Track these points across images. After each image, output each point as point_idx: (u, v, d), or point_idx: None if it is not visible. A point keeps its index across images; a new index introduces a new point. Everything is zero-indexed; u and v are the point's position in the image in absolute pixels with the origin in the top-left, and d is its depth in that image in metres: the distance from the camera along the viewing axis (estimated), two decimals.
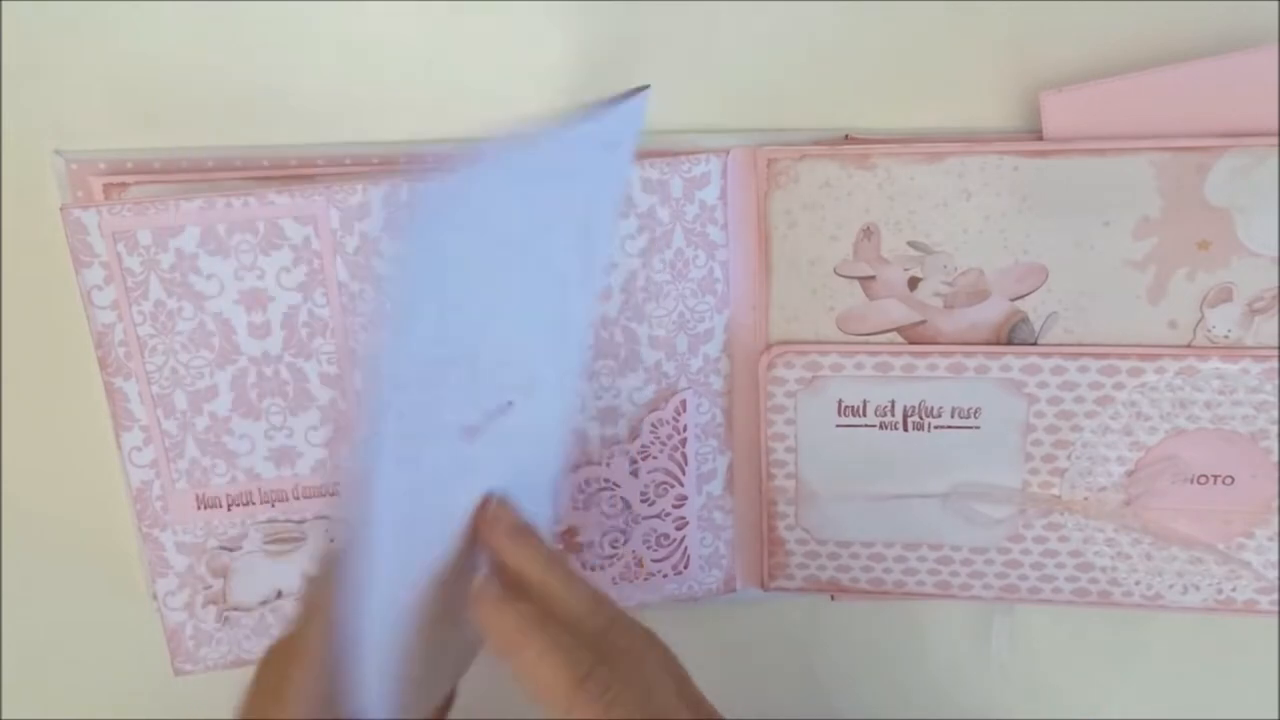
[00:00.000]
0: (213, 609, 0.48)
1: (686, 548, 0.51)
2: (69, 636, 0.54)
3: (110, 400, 0.45)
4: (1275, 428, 0.47)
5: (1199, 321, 0.46)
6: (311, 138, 0.44)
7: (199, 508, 0.46)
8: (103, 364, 0.44)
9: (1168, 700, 0.53)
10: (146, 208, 0.42)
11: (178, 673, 0.50)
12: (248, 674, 0.48)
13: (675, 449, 0.49)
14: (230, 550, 0.47)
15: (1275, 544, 0.48)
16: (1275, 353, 0.46)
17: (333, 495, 0.47)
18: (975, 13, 0.44)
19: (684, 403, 0.48)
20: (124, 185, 0.43)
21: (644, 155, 0.44)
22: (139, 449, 0.45)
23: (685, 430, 0.48)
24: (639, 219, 0.45)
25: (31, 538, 0.52)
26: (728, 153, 0.45)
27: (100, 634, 0.54)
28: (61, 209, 0.42)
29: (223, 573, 0.47)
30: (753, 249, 0.46)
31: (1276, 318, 0.45)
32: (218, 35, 0.43)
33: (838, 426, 0.49)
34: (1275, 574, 0.49)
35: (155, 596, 0.49)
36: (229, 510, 0.46)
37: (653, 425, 0.48)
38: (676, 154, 0.44)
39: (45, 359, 0.48)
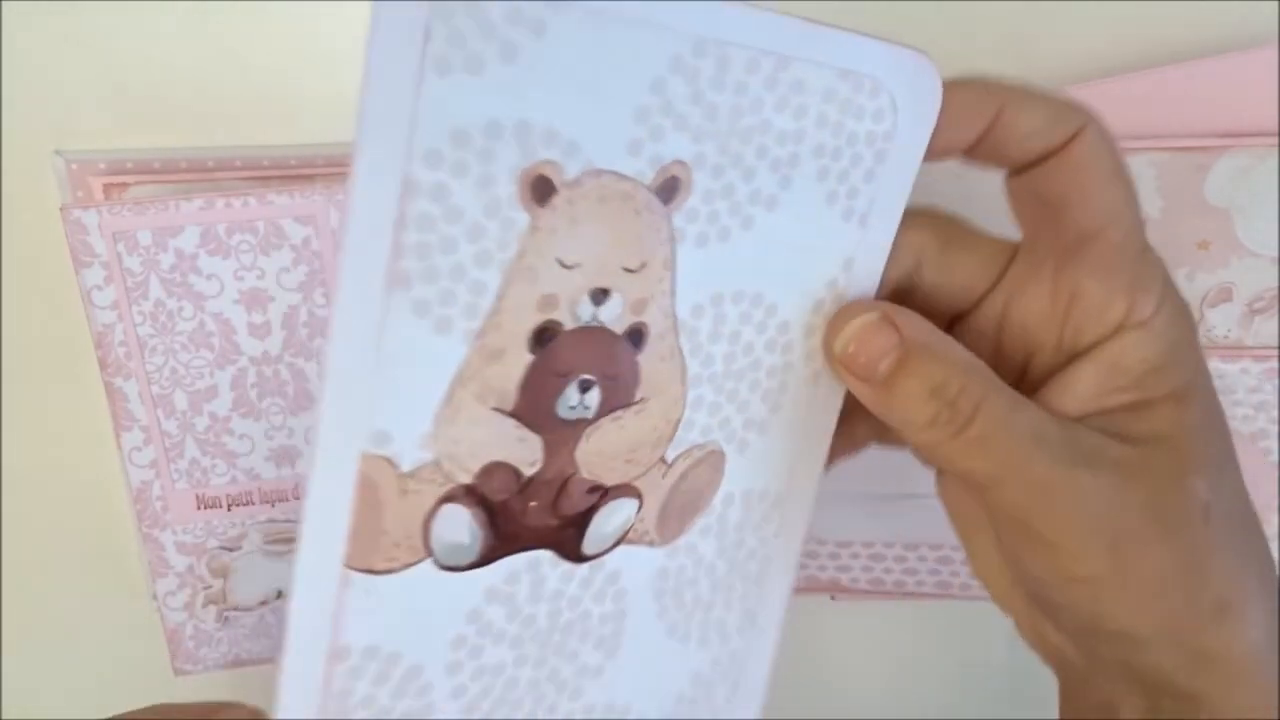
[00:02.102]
0: (213, 609, 0.48)
1: None
2: (69, 636, 0.54)
3: (110, 400, 0.44)
4: (1275, 428, 0.46)
5: (1199, 321, 0.46)
6: (312, 138, 0.44)
7: (199, 508, 0.46)
8: (103, 364, 0.44)
9: None
10: (146, 208, 0.41)
11: (178, 673, 0.50)
12: (247, 674, 0.49)
13: None
14: (230, 550, 0.47)
15: (1275, 544, 0.48)
16: (1275, 353, 0.46)
17: None
18: (975, 13, 0.44)
19: None
20: (124, 185, 0.43)
21: None
22: (139, 449, 0.45)
23: None
24: None
25: (31, 538, 0.52)
26: None
27: (100, 634, 0.54)
28: (61, 209, 0.42)
29: (223, 573, 0.47)
30: None
31: (1276, 318, 0.45)
32: (218, 35, 0.43)
33: None
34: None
35: (155, 596, 0.49)
36: (229, 510, 0.46)
37: None
38: None
39: (45, 359, 0.48)
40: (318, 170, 0.43)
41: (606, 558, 0.26)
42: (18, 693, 0.55)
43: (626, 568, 0.26)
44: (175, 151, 0.43)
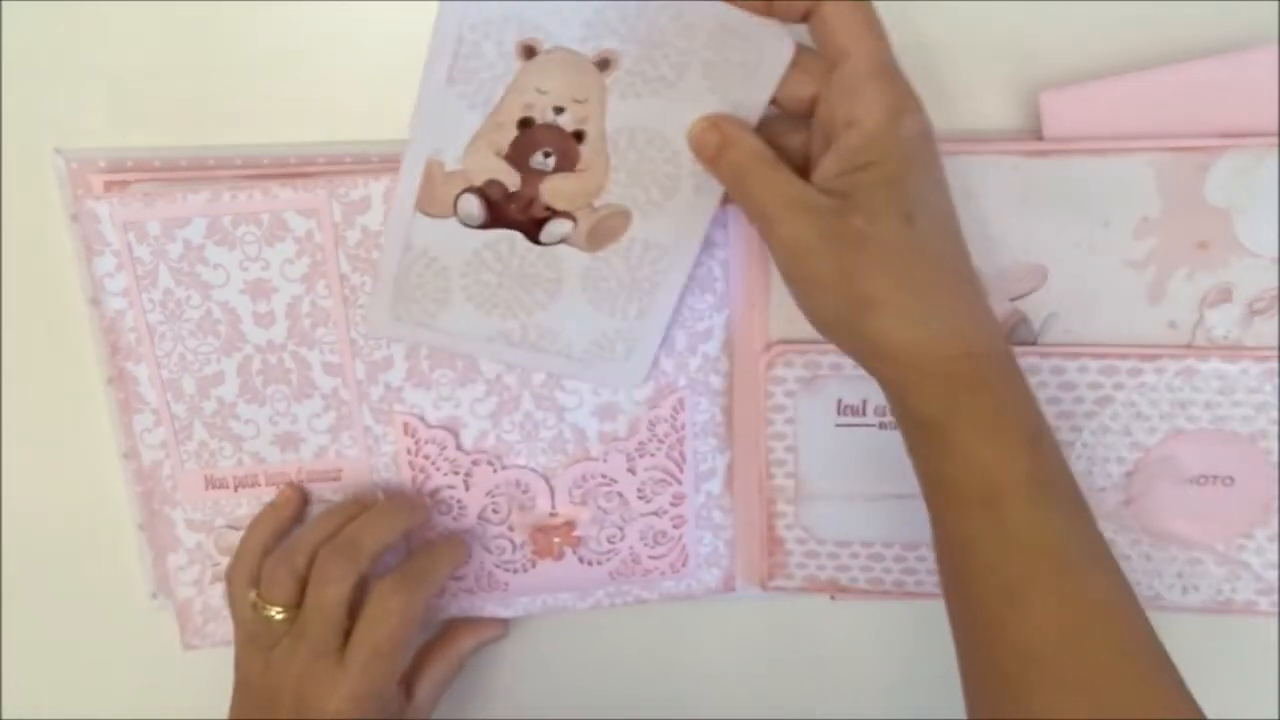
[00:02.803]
0: (220, 586, 0.50)
1: (685, 546, 0.51)
2: (69, 636, 0.55)
3: (122, 384, 0.46)
4: (1275, 428, 0.46)
5: (1198, 322, 0.45)
6: (312, 136, 0.45)
7: (207, 488, 0.48)
8: (114, 348, 0.46)
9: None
10: (155, 199, 0.43)
11: (186, 647, 0.51)
12: None
13: (673, 447, 0.49)
14: (237, 530, 0.49)
15: (1275, 545, 0.47)
16: (1275, 353, 0.45)
17: (335, 480, 0.49)
18: (975, 13, 0.44)
19: (682, 401, 0.49)
20: (125, 184, 0.44)
21: None
22: (150, 430, 0.47)
23: (683, 429, 0.49)
24: None
25: (31, 538, 0.53)
26: None
27: (100, 634, 0.55)
28: (75, 198, 0.44)
29: (229, 551, 0.49)
30: (752, 247, 0.47)
31: (1276, 318, 0.45)
32: (219, 34, 0.44)
33: (837, 426, 0.49)
34: (1275, 575, 0.48)
35: (155, 596, 0.51)
36: (235, 491, 0.48)
37: (650, 423, 0.49)
38: None
39: (45, 359, 0.49)
40: (318, 169, 0.44)
41: (553, 248, 0.45)
42: (18, 693, 0.56)
43: (565, 257, 0.46)
44: (176, 150, 0.45)
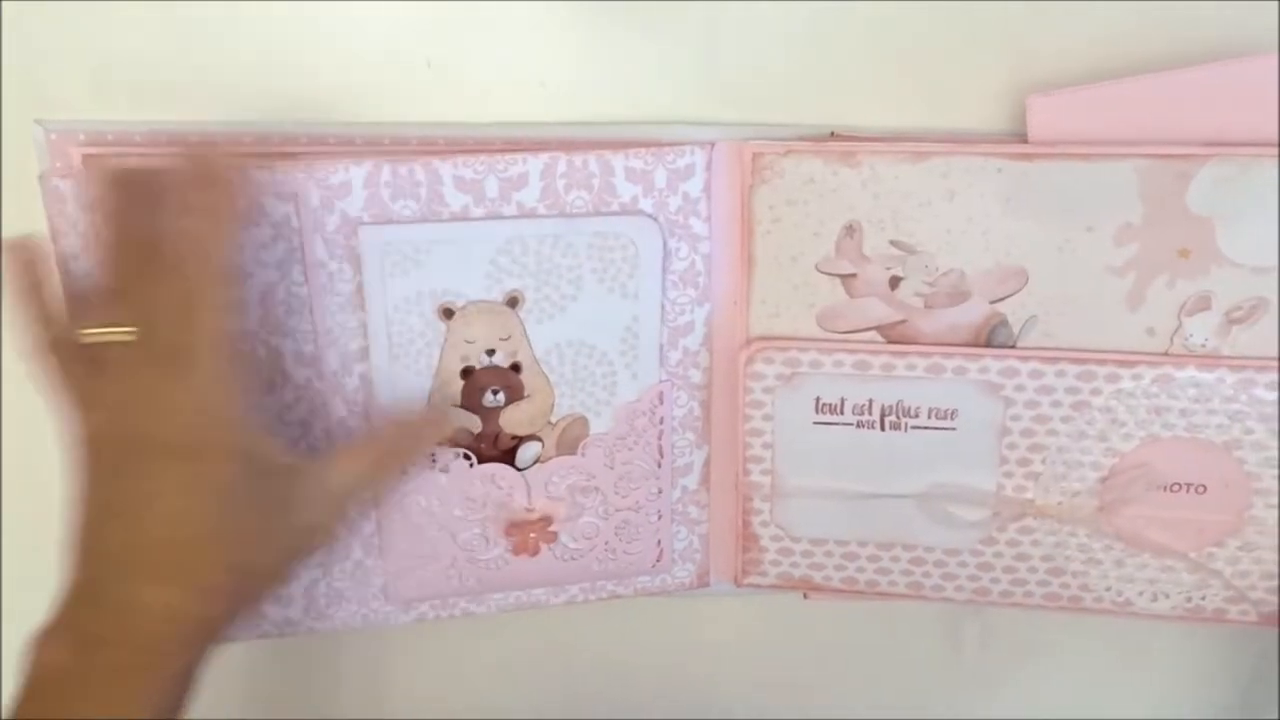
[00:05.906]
0: None
1: (660, 541, 0.51)
2: None
3: None
4: (1248, 438, 0.46)
5: (1177, 329, 0.46)
6: (295, 116, 0.44)
7: None
8: None
9: (1167, 700, 0.53)
10: None
11: None
12: (255, 646, 0.48)
13: (651, 442, 0.49)
14: None
15: (1245, 554, 0.48)
16: (1250, 363, 0.46)
17: None
18: (965, 13, 0.44)
19: (661, 395, 0.48)
20: (105, 157, 0.42)
21: (628, 145, 0.44)
22: None
23: (662, 423, 0.48)
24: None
25: (31, 538, 0.51)
26: (712, 146, 0.45)
27: None
28: (40, 176, 0.41)
29: None
30: (735, 243, 0.46)
31: (1254, 328, 0.45)
32: (206, 11, 0.43)
33: (815, 424, 0.49)
34: (1244, 583, 0.49)
35: None
36: None
37: (629, 417, 0.48)
38: (661, 145, 0.44)
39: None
40: (301, 149, 0.43)
41: (535, 468, 0.49)
42: None
43: (556, 469, 0.50)
44: (158, 125, 0.43)
